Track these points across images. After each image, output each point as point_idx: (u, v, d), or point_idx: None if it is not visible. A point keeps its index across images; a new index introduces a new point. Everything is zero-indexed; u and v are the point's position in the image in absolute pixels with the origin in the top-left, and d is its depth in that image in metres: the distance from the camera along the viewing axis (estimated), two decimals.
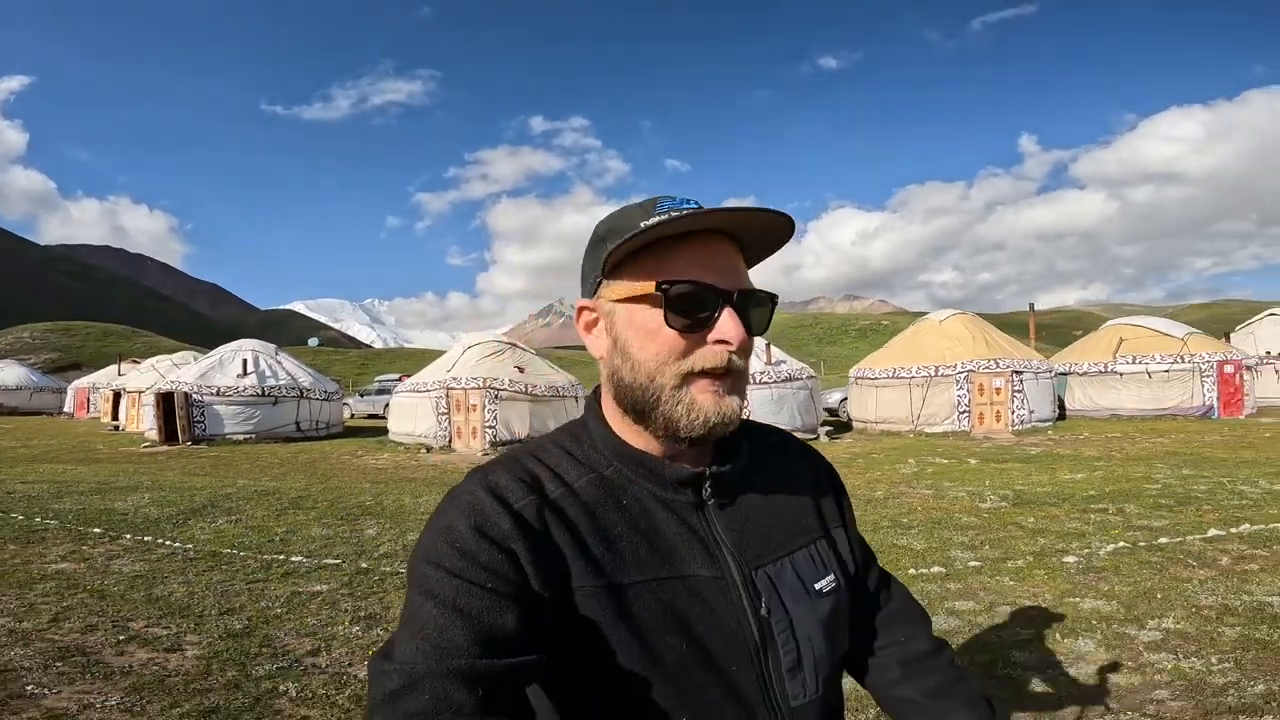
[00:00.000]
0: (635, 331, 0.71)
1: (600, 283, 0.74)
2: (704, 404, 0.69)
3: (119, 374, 27.88)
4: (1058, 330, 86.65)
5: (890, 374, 16.26)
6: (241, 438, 17.03)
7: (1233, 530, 5.56)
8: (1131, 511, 6.44)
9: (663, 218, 0.68)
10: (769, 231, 0.73)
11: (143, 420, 19.08)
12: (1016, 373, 15.40)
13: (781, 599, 0.74)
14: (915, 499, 7.57)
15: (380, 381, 31.73)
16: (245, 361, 17.99)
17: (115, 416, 23.48)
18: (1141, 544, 5.26)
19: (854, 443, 14.20)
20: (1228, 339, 20.27)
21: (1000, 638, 3.65)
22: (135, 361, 30.42)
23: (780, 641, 0.72)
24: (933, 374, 15.70)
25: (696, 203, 0.71)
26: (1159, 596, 4.11)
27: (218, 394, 17.13)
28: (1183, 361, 16.55)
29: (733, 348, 0.70)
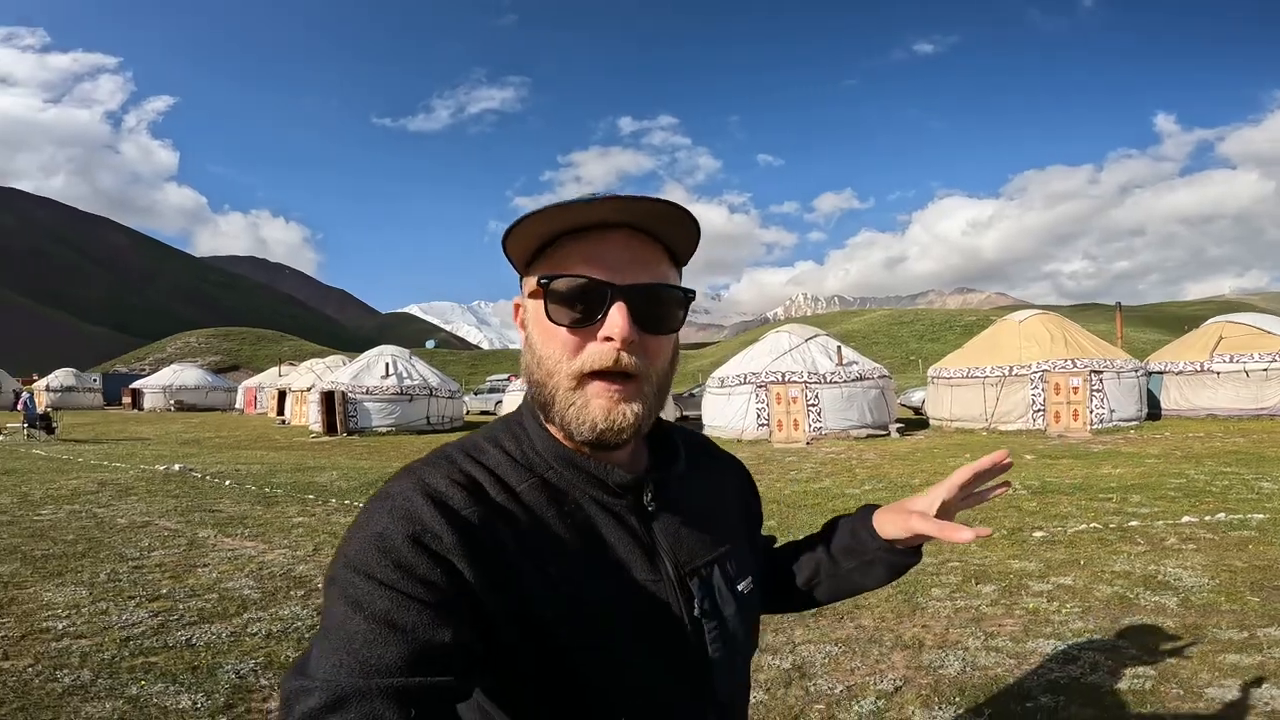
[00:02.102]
0: (537, 327, 0.71)
1: (522, 279, 0.75)
2: (594, 409, 0.68)
3: (280, 375, 32.54)
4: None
5: (965, 373, 16.90)
6: (385, 430, 20.13)
7: (1206, 519, 6.45)
8: (1133, 501, 7.42)
9: (539, 210, 0.66)
10: (665, 220, 0.69)
11: (305, 415, 22.68)
12: (1095, 372, 15.69)
13: (714, 600, 0.76)
14: None
15: (491, 381, 35.52)
16: (387, 364, 21.14)
17: (280, 412, 27.62)
18: (1111, 526, 6.37)
19: (922, 439, 15.11)
20: None
21: (933, 581, 5.00)
22: (293, 364, 35.21)
23: (710, 639, 0.74)
24: (1006, 373, 16.24)
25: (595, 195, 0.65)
26: (1080, 563, 5.27)
27: (366, 392, 20.31)
28: None
29: (617, 345, 0.67)
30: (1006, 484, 0.88)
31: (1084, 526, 6.40)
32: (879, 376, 16.40)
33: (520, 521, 0.68)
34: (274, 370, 35.16)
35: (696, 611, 0.74)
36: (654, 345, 0.71)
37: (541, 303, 0.69)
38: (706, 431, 17.25)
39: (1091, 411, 15.55)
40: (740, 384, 16.51)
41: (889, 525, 0.87)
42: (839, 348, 16.62)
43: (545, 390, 0.71)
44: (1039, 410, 15.82)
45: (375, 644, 0.57)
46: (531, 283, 0.72)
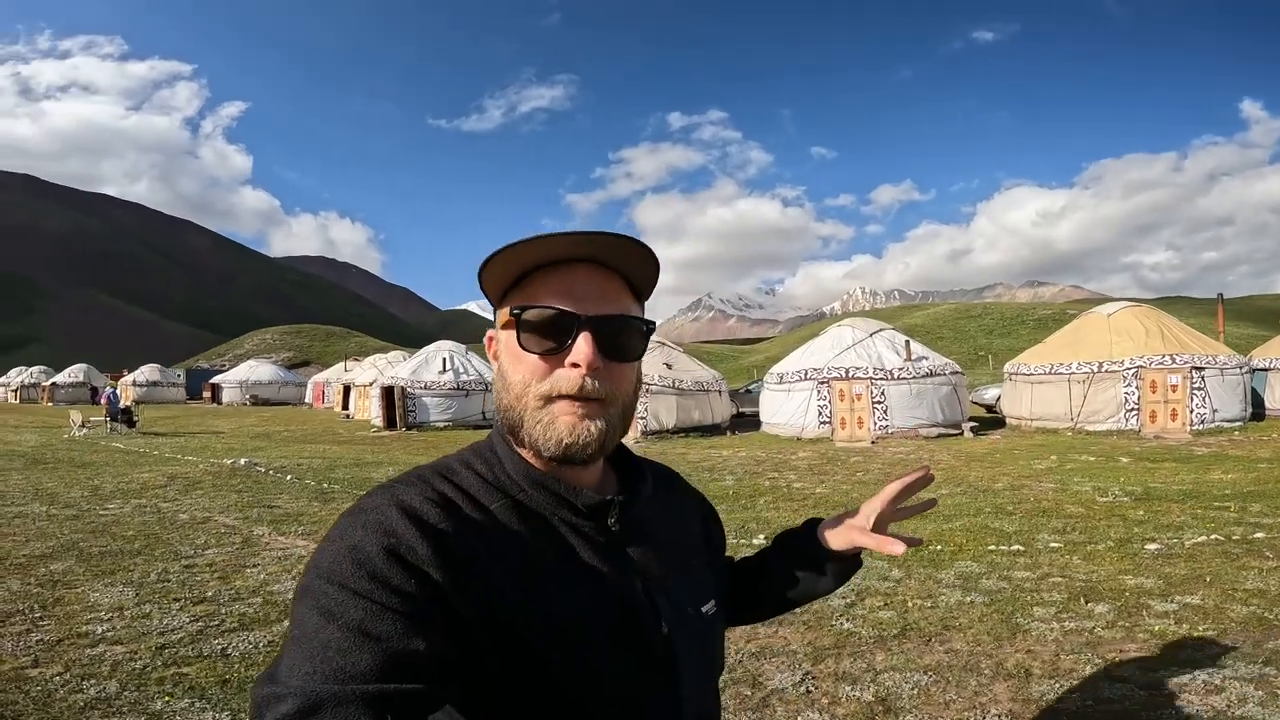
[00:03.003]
0: (509, 356, 0.75)
1: (496, 311, 0.79)
2: (560, 425, 0.72)
3: (345, 370, 33.50)
4: None
5: (1048, 370, 15.80)
6: (442, 425, 20.32)
7: None
8: (1253, 510, 6.59)
9: (510, 245, 0.70)
10: (626, 255, 0.74)
11: (369, 409, 23.17)
12: (1196, 369, 14.40)
13: (679, 619, 0.79)
14: (1033, 492, 8.04)
15: None
16: (444, 360, 21.35)
17: (345, 406, 28.41)
18: (1235, 538, 5.61)
19: (999, 439, 14.17)
20: None
21: (1033, 598, 4.46)
22: (357, 359, 36.23)
23: (681, 654, 0.77)
24: (1095, 370, 15.08)
25: (565, 231, 0.71)
26: (1206, 580, 4.63)
27: (424, 388, 20.55)
28: None
29: (583, 371, 0.71)
30: (932, 500, 1.03)
31: (1202, 538, 5.68)
32: (951, 373, 15.49)
33: (493, 538, 0.71)
34: (340, 366, 36.27)
35: (665, 628, 0.77)
36: (617, 372, 0.75)
37: (513, 332, 0.74)
38: (764, 429, 16.71)
39: (1192, 411, 14.27)
40: (801, 380, 15.87)
41: (832, 538, 0.97)
42: (907, 342, 15.78)
43: (514, 412, 0.75)
44: (1132, 409, 14.62)
45: (349, 652, 0.58)
46: (501, 315, 0.76)
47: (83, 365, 48.99)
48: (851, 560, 0.99)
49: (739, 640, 3.90)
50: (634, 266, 0.76)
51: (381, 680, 0.58)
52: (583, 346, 0.71)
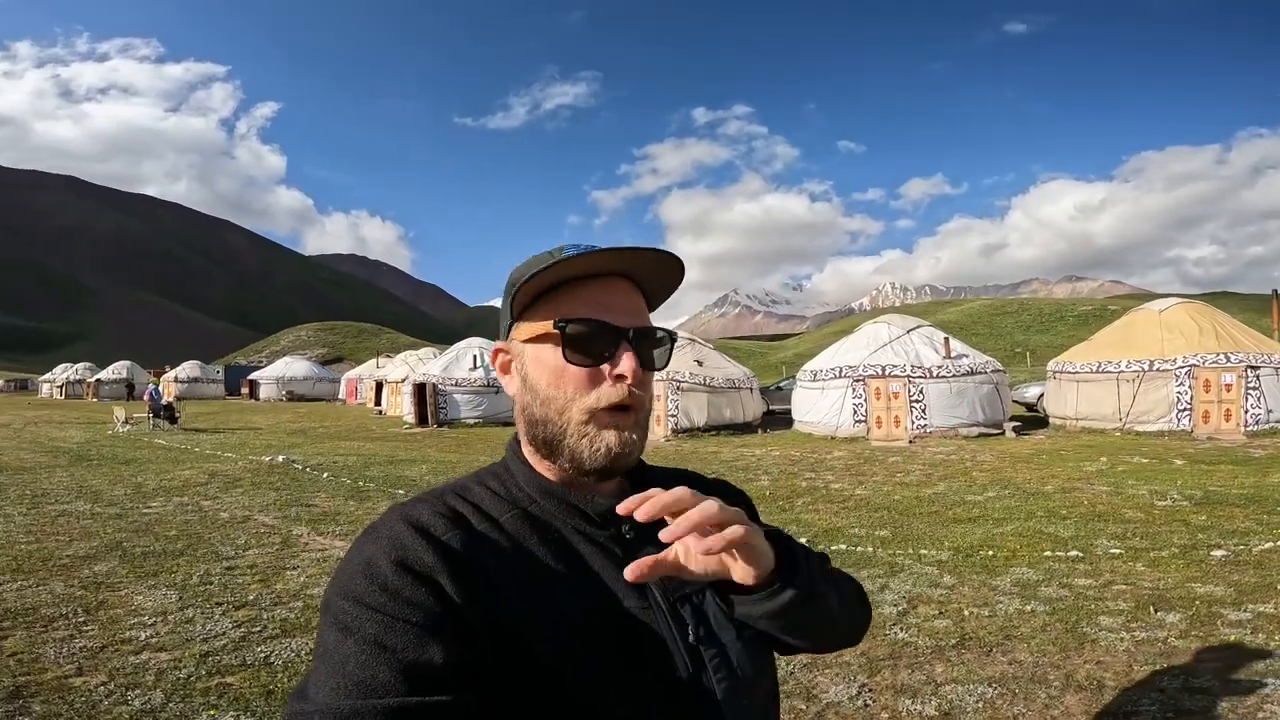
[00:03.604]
0: (542, 369, 0.75)
1: (512, 325, 0.79)
2: (607, 436, 0.73)
3: (377, 367, 33.93)
4: None
5: (1095, 368, 15.27)
6: (472, 421, 20.41)
7: None
8: None
9: (558, 260, 0.71)
10: (661, 270, 0.76)
11: (400, 406, 23.41)
12: (1251, 368, 13.79)
13: (709, 627, 0.74)
14: (1087, 495, 7.73)
15: None
16: (474, 357, 21.43)
17: (378, 403, 28.77)
18: None
19: (1044, 440, 13.74)
20: None
21: (1097, 607, 4.25)
22: (389, 356, 36.68)
23: (713, 669, 0.72)
24: (1146, 368, 14.53)
25: (590, 246, 0.73)
26: (1279, 589, 4.38)
27: (455, 384, 20.66)
28: None
29: (630, 382, 0.72)
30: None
31: (1269, 544, 5.40)
32: (992, 370, 15.05)
33: (502, 547, 0.71)
34: (372, 362, 36.74)
35: (691, 639, 0.73)
36: (648, 381, 0.77)
37: (548, 345, 0.74)
38: (797, 427, 16.46)
39: (1246, 411, 13.66)
40: (835, 378, 15.57)
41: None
42: (946, 339, 15.37)
43: (553, 426, 0.74)
44: (1184, 410, 14.06)
45: (368, 665, 0.60)
46: (532, 328, 0.76)
47: (125, 362, 50.49)
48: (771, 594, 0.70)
49: None
50: (660, 279, 0.79)
51: (402, 694, 0.59)
52: (628, 360, 0.73)
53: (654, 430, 16.66)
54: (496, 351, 0.83)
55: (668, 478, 0.86)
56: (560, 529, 0.75)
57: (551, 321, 0.73)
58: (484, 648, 0.64)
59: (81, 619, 4.20)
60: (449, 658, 0.61)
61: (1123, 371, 14.82)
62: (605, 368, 0.73)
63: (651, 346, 0.77)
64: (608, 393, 0.73)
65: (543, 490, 0.76)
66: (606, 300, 0.74)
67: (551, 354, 0.74)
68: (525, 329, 0.77)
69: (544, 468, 0.77)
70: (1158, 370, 14.44)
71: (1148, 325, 15.67)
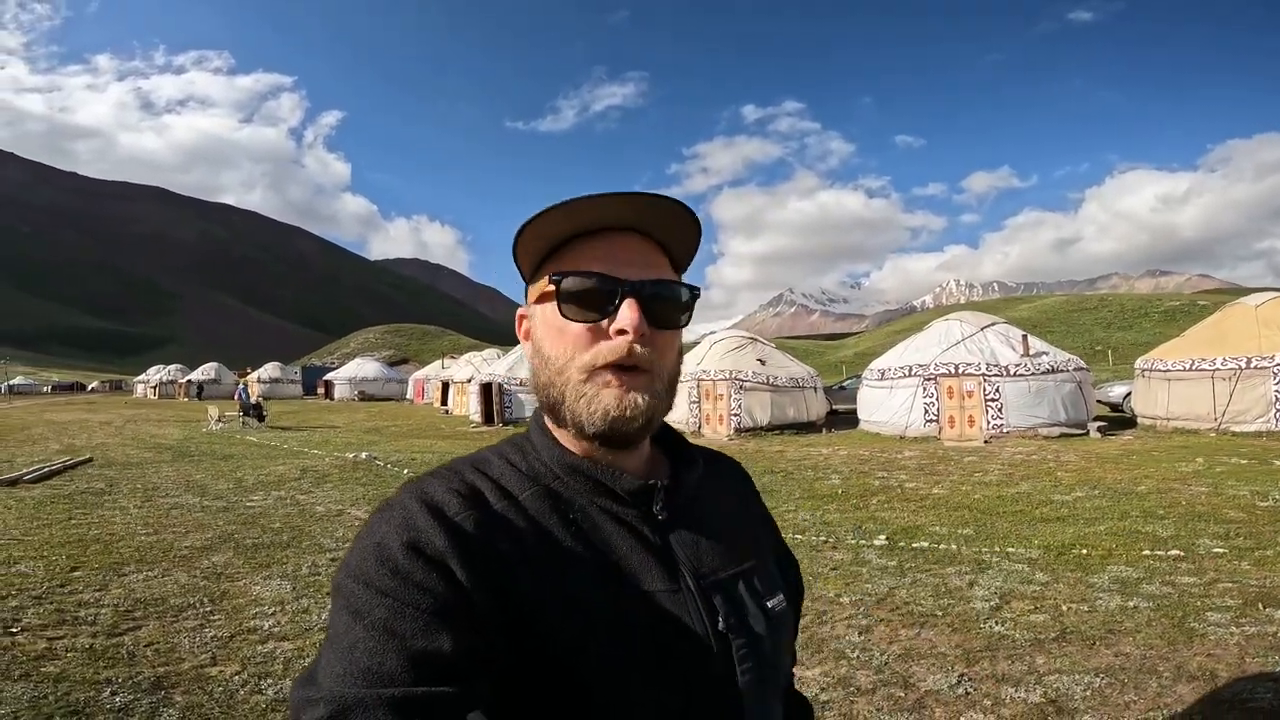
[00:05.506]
0: (546, 329, 0.71)
1: (527, 288, 0.75)
2: (604, 397, 0.68)
3: (443, 367, 34.99)
4: None
5: (1187, 366, 14.49)
6: None
7: None
8: None
9: (555, 205, 0.67)
10: (673, 221, 0.71)
11: (466, 405, 24.11)
12: None
13: (741, 615, 0.72)
14: (1184, 495, 7.38)
15: None
16: None
17: (444, 402, 29.67)
18: None
19: (1132, 440, 13.11)
20: None
21: (1203, 604, 4.11)
22: (454, 357, 37.78)
23: (739, 658, 0.69)
24: (1244, 365, 13.70)
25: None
26: None
27: (519, 384, 21.15)
28: None
29: (630, 338, 0.67)
30: None
31: None
32: (1075, 369, 14.44)
33: (520, 527, 0.67)
34: (438, 363, 37.89)
35: (721, 626, 0.70)
36: (662, 340, 0.71)
37: (551, 303, 0.70)
38: (863, 427, 16.18)
39: None
40: (904, 376, 15.24)
41: None
42: (1024, 337, 14.83)
43: (555, 389, 0.71)
44: None
45: (376, 652, 0.57)
46: (538, 288, 0.73)
47: (213, 364, 53.66)
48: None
49: (881, 642, 3.80)
50: (674, 232, 0.73)
51: (410, 683, 0.56)
52: (628, 313, 0.67)
53: (717, 429, 16.69)
54: (520, 318, 0.78)
55: (704, 457, 0.86)
56: (585, 507, 0.71)
57: (550, 277, 0.70)
58: (496, 634, 0.61)
59: (208, 609, 4.39)
60: (459, 645, 0.59)
61: (1218, 369, 14.01)
62: (606, 323, 0.68)
63: (665, 303, 0.70)
64: (607, 349, 0.68)
65: (566, 466, 0.72)
66: (611, 252, 0.70)
67: (553, 312, 0.70)
68: (535, 289, 0.74)
69: (565, 439, 0.74)
70: (1255, 368, 13.58)
71: (1243, 320, 14.77)
